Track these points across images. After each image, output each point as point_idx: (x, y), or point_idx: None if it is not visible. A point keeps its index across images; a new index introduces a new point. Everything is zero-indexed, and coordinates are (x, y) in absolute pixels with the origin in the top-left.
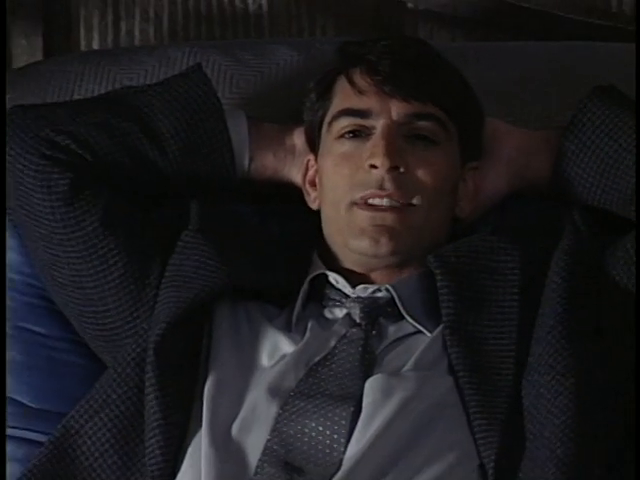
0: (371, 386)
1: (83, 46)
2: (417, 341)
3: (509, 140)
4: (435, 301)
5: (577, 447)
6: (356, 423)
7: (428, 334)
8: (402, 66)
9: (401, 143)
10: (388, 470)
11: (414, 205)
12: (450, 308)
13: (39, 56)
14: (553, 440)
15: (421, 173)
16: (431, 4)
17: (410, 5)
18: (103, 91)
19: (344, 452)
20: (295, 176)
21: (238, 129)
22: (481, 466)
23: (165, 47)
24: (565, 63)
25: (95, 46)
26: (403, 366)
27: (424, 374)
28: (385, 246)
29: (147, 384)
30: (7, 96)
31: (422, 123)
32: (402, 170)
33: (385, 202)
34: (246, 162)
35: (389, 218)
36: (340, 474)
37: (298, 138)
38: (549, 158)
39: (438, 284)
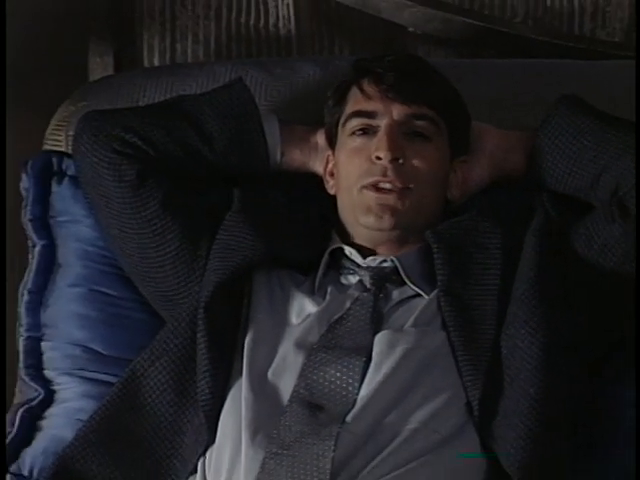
0: (379, 340)
1: (146, 63)
2: (416, 303)
3: (491, 139)
4: (431, 270)
5: (546, 388)
6: (367, 370)
7: (426, 297)
8: (402, 77)
9: (401, 139)
10: (393, 407)
11: (410, 189)
12: (444, 275)
13: (110, 71)
14: (526, 382)
15: (417, 163)
16: (428, 29)
17: (411, 29)
18: (162, 99)
19: (357, 393)
20: (318, 168)
21: (271, 130)
22: (468, 404)
23: (212, 64)
24: (548, 78)
25: (156, 63)
26: (405, 323)
27: (422, 330)
28: (387, 221)
29: (198, 336)
30: (84, 103)
31: (418, 122)
32: (401, 161)
33: (388, 186)
34: (278, 157)
35: (391, 199)
36: (354, 411)
37: (320, 137)
38: (524, 154)
39: (434, 255)
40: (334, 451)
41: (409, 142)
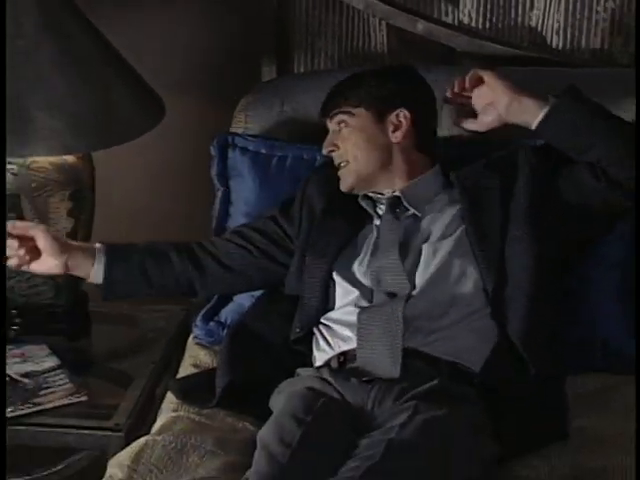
0: (426, 248)
1: (295, 70)
2: (435, 218)
3: (503, 101)
4: (430, 195)
5: (535, 283)
6: (417, 267)
7: (419, 214)
8: (327, 98)
9: (334, 135)
10: (437, 287)
11: (348, 161)
12: (464, 203)
13: (274, 75)
14: (522, 279)
15: (345, 144)
16: (474, 50)
17: (459, 50)
18: (304, 93)
19: (414, 280)
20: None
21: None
22: (485, 290)
23: (336, 71)
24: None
25: (301, 70)
26: (432, 234)
27: (450, 239)
28: (344, 185)
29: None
30: (257, 95)
31: (337, 117)
32: (334, 148)
33: (339, 164)
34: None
35: (341, 172)
36: (416, 291)
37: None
38: (529, 117)
39: (458, 191)
40: (402, 312)
41: (339, 134)
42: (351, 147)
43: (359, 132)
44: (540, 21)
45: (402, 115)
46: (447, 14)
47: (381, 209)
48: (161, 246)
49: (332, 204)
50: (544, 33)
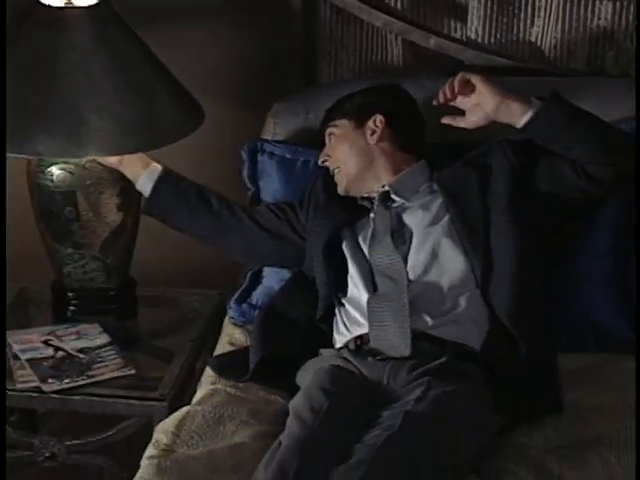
0: (416, 234)
1: (320, 81)
2: (415, 210)
3: (490, 102)
4: (416, 186)
5: (518, 270)
6: (409, 252)
7: (408, 204)
8: (324, 114)
9: (327, 145)
10: (430, 270)
11: (340, 168)
12: (445, 197)
13: (302, 86)
14: (506, 267)
15: (334, 153)
16: (479, 63)
17: (467, 63)
18: (326, 100)
19: (406, 266)
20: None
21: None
22: (473, 273)
23: (356, 81)
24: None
25: (326, 81)
26: (424, 220)
27: (438, 225)
28: (340, 188)
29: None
30: (285, 104)
31: (327, 130)
32: (326, 158)
33: (333, 171)
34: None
35: (336, 177)
36: (413, 275)
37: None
38: (515, 118)
39: (440, 192)
40: (407, 297)
41: (330, 145)
42: (339, 154)
43: (343, 140)
44: (539, 37)
45: (378, 120)
46: (456, 30)
47: (375, 204)
48: (207, 191)
49: (333, 197)
50: (543, 47)
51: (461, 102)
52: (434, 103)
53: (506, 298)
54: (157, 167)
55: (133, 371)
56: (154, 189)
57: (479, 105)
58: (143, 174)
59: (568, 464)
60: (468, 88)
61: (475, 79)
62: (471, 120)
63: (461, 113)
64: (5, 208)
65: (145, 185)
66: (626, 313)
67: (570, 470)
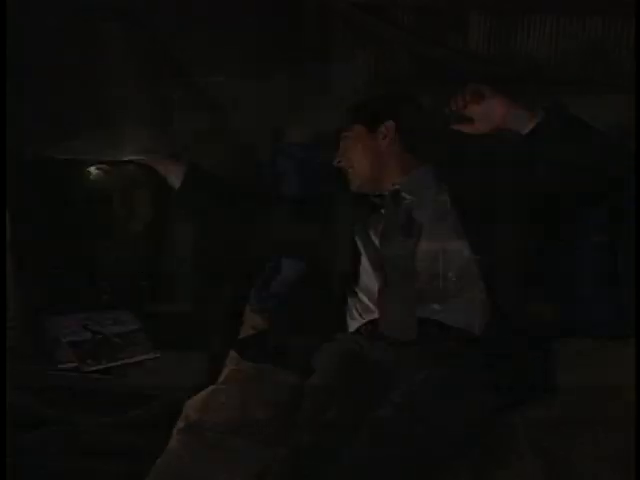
0: (424, 228)
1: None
2: (427, 206)
3: (499, 112)
4: (423, 185)
5: (523, 259)
6: (417, 246)
7: (417, 201)
8: (341, 118)
9: (342, 147)
10: (436, 263)
11: (354, 166)
12: (454, 195)
13: None
14: (511, 253)
15: (346, 154)
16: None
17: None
18: None
19: (415, 258)
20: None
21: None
22: (477, 263)
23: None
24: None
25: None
26: (432, 216)
27: (444, 220)
28: (353, 185)
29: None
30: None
31: (342, 134)
32: (341, 159)
33: (347, 171)
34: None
35: (349, 176)
36: (420, 267)
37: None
38: (521, 127)
39: (447, 187)
40: (414, 288)
41: (344, 147)
42: (352, 155)
43: (357, 143)
44: (534, 48)
45: (389, 125)
46: (458, 43)
47: (387, 201)
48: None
49: (347, 194)
50: (537, 58)
51: (471, 110)
52: (446, 111)
53: (508, 288)
54: (185, 163)
55: (158, 355)
56: (183, 182)
57: (487, 113)
58: (173, 170)
59: (564, 442)
60: (478, 97)
61: (485, 90)
62: (479, 127)
63: (469, 120)
64: (5, 208)
65: (175, 181)
66: (616, 300)
67: (565, 448)
